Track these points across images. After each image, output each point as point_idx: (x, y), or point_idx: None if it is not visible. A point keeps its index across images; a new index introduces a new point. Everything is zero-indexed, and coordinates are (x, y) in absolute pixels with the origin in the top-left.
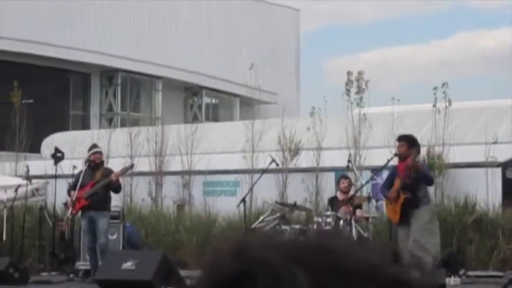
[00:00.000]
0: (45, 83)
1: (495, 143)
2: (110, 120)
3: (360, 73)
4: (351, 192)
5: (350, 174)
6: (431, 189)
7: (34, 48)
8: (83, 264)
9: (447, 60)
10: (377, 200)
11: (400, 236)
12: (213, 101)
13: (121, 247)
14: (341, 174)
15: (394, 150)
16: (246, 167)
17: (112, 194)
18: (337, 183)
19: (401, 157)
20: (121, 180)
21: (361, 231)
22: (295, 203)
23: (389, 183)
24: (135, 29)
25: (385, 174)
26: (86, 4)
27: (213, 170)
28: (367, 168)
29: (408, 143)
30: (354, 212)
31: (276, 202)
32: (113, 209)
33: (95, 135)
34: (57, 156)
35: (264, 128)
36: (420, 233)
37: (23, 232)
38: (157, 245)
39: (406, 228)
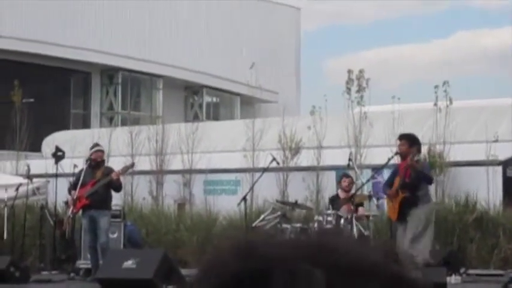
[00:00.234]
0: (46, 82)
1: (496, 141)
2: (111, 119)
3: (360, 72)
4: (352, 191)
5: (351, 173)
6: (432, 188)
7: (35, 48)
8: (83, 263)
9: (448, 59)
10: (378, 199)
11: (398, 233)
12: (214, 99)
13: (122, 246)
14: (342, 172)
15: (394, 149)
16: (246, 166)
17: (113, 193)
18: (339, 181)
19: (402, 156)
20: (122, 179)
21: (362, 230)
22: (296, 202)
23: (391, 181)
24: (136, 28)
25: (385, 172)
26: (87, 3)
27: (213, 168)
28: (367, 166)
29: (409, 141)
30: (355, 210)
31: (277, 201)
32: (113, 207)
33: (96, 134)
34: (58, 155)
35: (265, 127)
36: (413, 232)
37: (24, 231)
38: (158, 244)
39: (404, 226)
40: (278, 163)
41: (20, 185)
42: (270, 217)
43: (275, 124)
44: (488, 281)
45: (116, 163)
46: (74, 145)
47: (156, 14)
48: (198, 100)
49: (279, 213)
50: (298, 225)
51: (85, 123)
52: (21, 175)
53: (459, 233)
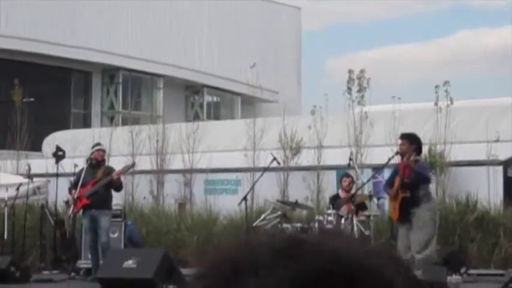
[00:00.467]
0: (47, 82)
1: (497, 141)
2: (111, 119)
3: (361, 71)
4: (353, 191)
5: (351, 173)
6: (433, 188)
7: (35, 47)
8: (84, 263)
9: (449, 58)
10: (378, 198)
11: (399, 234)
12: (215, 99)
13: (122, 245)
14: (343, 172)
15: (395, 149)
16: (247, 166)
17: (113, 193)
18: (339, 181)
19: (403, 155)
20: (122, 178)
21: (363, 230)
22: (296, 201)
23: (391, 181)
24: (137, 27)
25: (386, 172)
26: (87, 3)
27: (214, 168)
28: (368, 166)
29: (410, 141)
30: (356, 211)
31: (278, 200)
32: (114, 207)
33: (96, 133)
34: (59, 154)
35: (265, 127)
36: (417, 233)
37: (24, 231)
38: (159, 244)
39: (405, 226)
40: (279, 163)
41: (21, 184)
42: (271, 217)
43: (276, 124)
44: (489, 280)
45: (116, 162)
46: (75, 145)
47: (156, 14)
48: (199, 99)
49: (279, 212)
50: (299, 225)
51: (86, 123)
52: (21, 175)
53: (460, 232)
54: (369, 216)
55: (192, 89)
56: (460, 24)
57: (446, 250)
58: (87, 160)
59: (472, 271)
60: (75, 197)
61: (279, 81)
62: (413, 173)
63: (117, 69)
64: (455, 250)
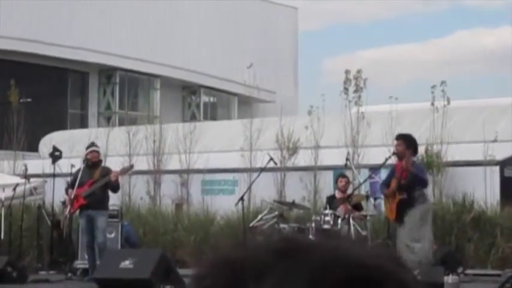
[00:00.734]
0: (43, 82)
1: (495, 141)
2: (108, 119)
3: (358, 72)
4: (349, 191)
5: (348, 173)
6: (429, 188)
7: (32, 47)
8: (81, 263)
9: (446, 58)
10: (375, 199)
11: (397, 234)
12: (211, 99)
13: (119, 246)
14: (339, 173)
15: (392, 149)
16: (244, 166)
17: (110, 193)
18: (336, 181)
19: (399, 156)
20: (119, 179)
21: (359, 230)
22: (293, 202)
23: (388, 181)
24: (134, 27)
25: (383, 172)
26: (84, 3)
27: (211, 168)
28: (365, 166)
29: (406, 142)
30: (353, 211)
31: (274, 201)
32: (111, 207)
33: (93, 134)
34: (55, 155)
35: (262, 127)
36: (408, 234)
37: (21, 231)
38: (156, 244)
39: (402, 227)
40: (275, 163)
41: (18, 184)
42: (268, 217)
43: (272, 124)
44: (485, 280)
45: (113, 163)
46: (72, 145)
47: (153, 14)
48: (196, 100)
49: (276, 213)
50: (296, 225)
51: (82, 123)
52: (18, 175)
53: (457, 232)
54: (365, 216)
55: (189, 90)
56: (458, 24)
57: (443, 250)
58: (83, 160)
59: (469, 271)
60: (72, 196)
61: (276, 81)
62: (410, 174)
63: (114, 69)
64: (452, 250)
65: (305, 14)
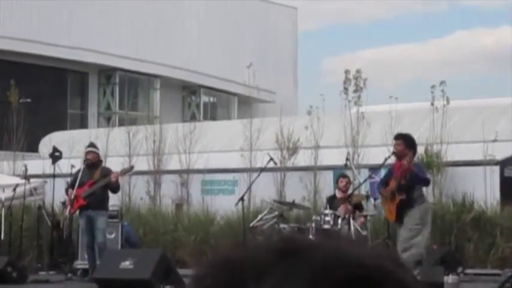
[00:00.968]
0: (43, 82)
1: (495, 141)
2: (108, 119)
3: (357, 71)
4: (349, 191)
5: (348, 173)
6: (429, 188)
7: (32, 48)
8: (81, 264)
9: (446, 58)
10: (375, 199)
11: (398, 234)
12: (211, 99)
13: (119, 246)
14: (339, 173)
15: (392, 149)
16: (244, 166)
17: (110, 193)
18: (336, 181)
19: (398, 156)
20: (119, 179)
21: (360, 230)
22: (293, 202)
23: (386, 180)
24: (133, 28)
25: (382, 172)
26: (84, 3)
27: (211, 168)
28: (365, 166)
29: (405, 141)
30: (353, 211)
31: (274, 201)
32: (111, 208)
33: (93, 134)
34: (55, 155)
35: (262, 127)
36: (407, 233)
37: (21, 231)
38: (156, 244)
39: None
40: (275, 163)
41: (17, 185)
42: (268, 217)
43: (272, 124)
44: (485, 280)
45: (113, 163)
46: (72, 145)
47: (153, 14)
48: (196, 100)
49: (276, 213)
50: (296, 225)
51: (82, 124)
52: (18, 175)
53: (456, 232)
54: (366, 216)
55: (189, 90)
56: (458, 24)
57: (443, 250)
58: (84, 161)
59: (468, 271)
60: (72, 196)
61: (276, 81)
62: (412, 176)
63: (114, 69)
64: (452, 250)
65: (305, 14)
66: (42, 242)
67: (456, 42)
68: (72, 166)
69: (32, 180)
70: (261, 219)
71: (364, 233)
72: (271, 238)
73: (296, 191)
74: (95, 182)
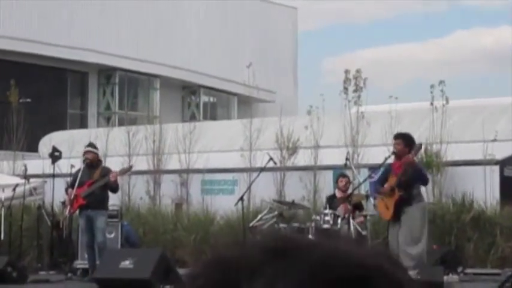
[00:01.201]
0: (43, 82)
1: (494, 140)
2: (108, 119)
3: (357, 71)
4: (349, 191)
5: (348, 173)
6: (429, 187)
7: (32, 47)
8: (81, 263)
9: (446, 58)
10: (375, 198)
11: (391, 232)
12: (211, 99)
13: (119, 246)
14: (339, 172)
15: (391, 148)
16: (244, 166)
17: (110, 193)
18: (336, 181)
19: (398, 155)
20: (119, 179)
21: (359, 229)
22: (293, 201)
23: (382, 178)
24: (133, 27)
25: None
26: (84, 3)
27: (211, 168)
28: (364, 166)
29: (405, 141)
30: (353, 210)
31: (274, 200)
32: (111, 207)
33: (93, 134)
34: (55, 155)
35: (262, 127)
36: (408, 234)
37: (21, 231)
38: (156, 244)
39: (397, 224)
40: (275, 163)
41: (17, 185)
42: (267, 217)
43: (272, 124)
44: (485, 280)
45: (113, 163)
46: (71, 145)
47: (153, 14)
48: (195, 100)
49: (276, 212)
50: (296, 224)
51: (82, 123)
52: (18, 175)
53: (456, 232)
54: (365, 216)
55: (189, 90)
56: (458, 24)
57: (443, 250)
58: (83, 160)
59: (468, 270)
60: (72, 196)
61: (276, 81)
62: (414, 171)
63: (114, 69)
64: (451, 250)
65: (305, 14)
66: (42, 242)
67: (456, 42)
68: (72, 166)
69: (31, 180)
70: (260, 219)
71: (363, 232)
72: (265, 237)
73: (296, 190)
74: (94, 182)
